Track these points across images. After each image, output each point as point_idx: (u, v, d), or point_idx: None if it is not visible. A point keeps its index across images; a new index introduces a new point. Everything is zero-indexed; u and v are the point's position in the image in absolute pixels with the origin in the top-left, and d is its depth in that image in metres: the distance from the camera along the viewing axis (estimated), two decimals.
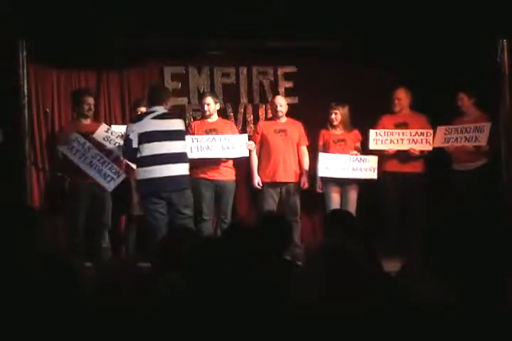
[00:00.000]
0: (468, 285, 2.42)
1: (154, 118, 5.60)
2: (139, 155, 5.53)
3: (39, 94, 6.64)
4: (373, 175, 6.49)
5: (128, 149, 5.57)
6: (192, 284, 2.44)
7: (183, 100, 7.08)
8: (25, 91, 6.10)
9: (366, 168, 6.49)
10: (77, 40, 6.20)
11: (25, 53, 6.03)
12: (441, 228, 2.69)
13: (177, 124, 5.67)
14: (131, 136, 5.52)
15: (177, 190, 5.56)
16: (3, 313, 2.19)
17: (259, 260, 3.22)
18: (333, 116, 6.61)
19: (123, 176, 6.08)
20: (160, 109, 5.64)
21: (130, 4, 5.97)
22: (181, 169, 5.59)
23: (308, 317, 2.20)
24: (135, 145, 5.50)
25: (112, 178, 6.03)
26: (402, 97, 6.68)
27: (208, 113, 6.46)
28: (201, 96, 6.62)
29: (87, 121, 6.31)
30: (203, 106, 6.48)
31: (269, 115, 7.04)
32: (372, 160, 6.51)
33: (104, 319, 2.27)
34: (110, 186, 6.06)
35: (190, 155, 6.27)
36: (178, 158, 5.58)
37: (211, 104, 6.45)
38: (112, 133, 6.16)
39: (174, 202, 5.55)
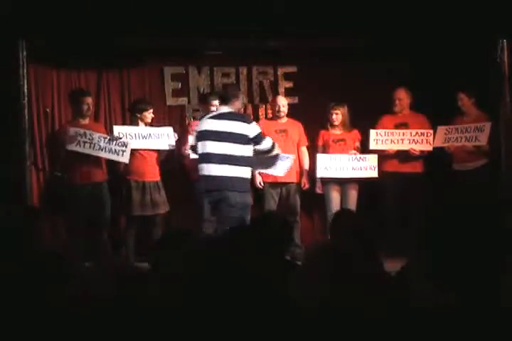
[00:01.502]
0: (468, 285, 2.42)
1: (212, 117, 5.65)
2: (198, 153, 5.66)
3: (39, 94, 6.63)
4: (374, 173, 6.49)
5: (189, 146, 5.88)
6: (192, 284, 2.44)
7: (183, 100, 7.08)
8: (25, 91, 6.10)
9: (366, 167, 6.49)
10: (77, 40, 6.20)
11: (25, 53, 6.03)
12: (441, 228, 2.69)
13: (234, 126, 5.52)
14: (193, 134, 5.76)
15: (216, 190, 5.53)
16: (2, 313, 2.19)
17: (259, 260, 3.22)
18: (334, 116, 6.62)
19: (130, 143, 6.21)
20: (224, 109, 5.64)
21: (130, 4, 5.98)
22: (228, 170, 5.49)
23: (308, 317, 2.20)
24: (192, 142, 5.76)
25: (123, 151, 6.20)
26: (403, 97, 6.68)
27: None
28: (210, 97, 6.57)
29: (86, 121, 6.32)
30: (211, 106, 6.47)
31: (269, 115, 7.04)
32: (372, 159, 6.51)
33: (103, 319, 2.27)
34: (125, 159, 6.23)
35: (193, 155, 6.29)
36: (227, 159, 5.49)
37: (217, 105, 6.50)
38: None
39: (218, 202, 5.55)
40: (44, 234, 4.15)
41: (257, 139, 5.57)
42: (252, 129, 5.56)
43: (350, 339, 2.16)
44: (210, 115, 5.69)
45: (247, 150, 5.54)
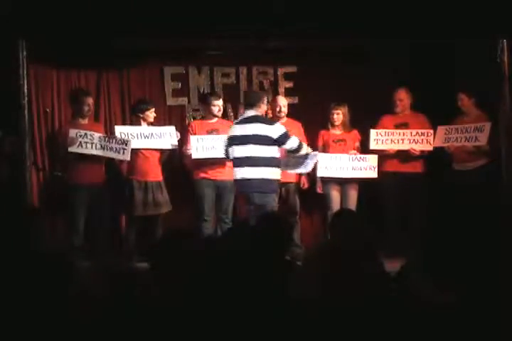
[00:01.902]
0: (468, 285, 2.42)
1: (238, 122, 5.81)
2: (230, 157, 5.80)
3: (39, 94, 6.63)
4: (373, 174, 6.49)
5: (224, 152, 5.92)
6: (191, 284, 2.44)
7: (183, 100, 7.08)
8: (25, 91, 6.10)
9: (366, 167, 6.49)
10: (77, 40, 6.20)
11: (25, 53, 6.02)
12: (441, 228, 2.69)
13: (260, 129, 5.61)
14: (225, 141, 5.88)
15: (247, 192, 5.66)
16: (2, 313, 2.19)
17: (259, 260, 3.22)
18: (335, 116, 6.62)
19: (130, 141, 6.22)
20: (249, 113, 5.75)
21: (130, 4, 5.97)
22: (256, 173, 5.60)
23: (307, 316, 2.20)
24: (225, 149, 5.85)
25: (123, 149, 6.21)
26: (404, 98, 6.68)
27: (219, 114, 6.56)
28: (210, 97, 6.59)
29: (86, 121, 6.31)
30: (214, 106, 6.48)
31: (270, 115, 7.03)
32: (372, 159, 6.51)
33: (102, 319, 2.27)
34: (126, 156, 6.24)
35: (195, 155, 6.31)
36: (254, 161, 5.60)
37: (221, 106, 6.52)
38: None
39: (250, 202, 5.66)
40: (44, 234, 4.15)
41: (281, 139, 5.65)
42: (275, 130, 5.65)
43: (350, 339, 2.16)
44: (237, 120, 5.87)
45: (272, 152, 5.65)
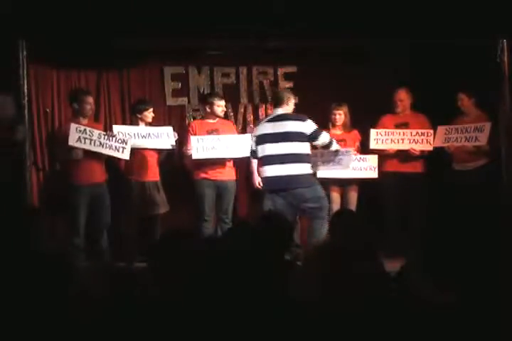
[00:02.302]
0: (468, 285, 2.42)
1: (269, 121, 5.86)
2: (258, 157, 5.87)
3: (39, 94, 6.63)
4: (374, 174, 6.49)
5: (250, 151, 6.02)
6: (191, 284, 2.44)
7: (183, 100, 7.08)
8: (25, 91, 6.10)
9: (366, 167, 6.49)
10: (77, 40, 6.19)
11: (25, 53, 6.03)
12: (441, 228, 2.69)
13: (290, 126, 5.73)
14: (251, 140, 5.94)
15: (285, 189, 5.70)
16: (2, 313, 2.19)
17: (259, 260, 3.22)
18: (337, 116, 6.62)
19: (130, 140, 6.22)
20: (279, 111, 5.85)
21: (130, 4, 5.97)
22: (291, 169, 5.68)
23: (307, 316, 2.20)
24: (252, 147, 5.93)
25: (123, 148, 6.20)
26: (405, 98, 6.69)
27: (222, 114, 6.58)
28: (214, 98, 6.59)
29: (85, 121, 6.30)
30: (218, 107, 6.49)
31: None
32: (372, 159, 6.51)
33: (102, 319, 2.27)
34: (126, 155, 6.23)
35: (195, 156, 6.30)
36: (288, 158, 5.69)
37: (224, 106, 6.53)
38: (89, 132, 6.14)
39: (289, 200, 5.71)
40: (44, 234, 4.15)
41: (313, 135, 5.78)
42: (307, 126, 5.77)
43: (350, 339, 2.16)
44: (267, 119, 5.91)
45: (306, 148, 5.78)
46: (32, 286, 2.24)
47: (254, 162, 6.61)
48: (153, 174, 6.44)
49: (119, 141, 6.20)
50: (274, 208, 5.69)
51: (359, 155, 6.55)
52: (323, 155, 6.17)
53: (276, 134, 5.74)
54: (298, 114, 5.98)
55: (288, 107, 5.89)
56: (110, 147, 6.17)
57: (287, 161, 5.68)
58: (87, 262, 5.99)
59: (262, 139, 5.80)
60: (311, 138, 5.77)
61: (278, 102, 5.90)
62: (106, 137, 6.16)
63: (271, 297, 2.53)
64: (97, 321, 2.26)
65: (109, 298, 2.42)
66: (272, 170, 5.73)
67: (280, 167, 5.69)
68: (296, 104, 7.06)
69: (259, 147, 5.82)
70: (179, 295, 2.43)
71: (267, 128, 5.81)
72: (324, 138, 5.86)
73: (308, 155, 5.80)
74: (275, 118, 5.83)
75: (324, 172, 6.48)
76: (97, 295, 2.39)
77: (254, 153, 5.95)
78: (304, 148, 5.76)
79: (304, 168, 5.73)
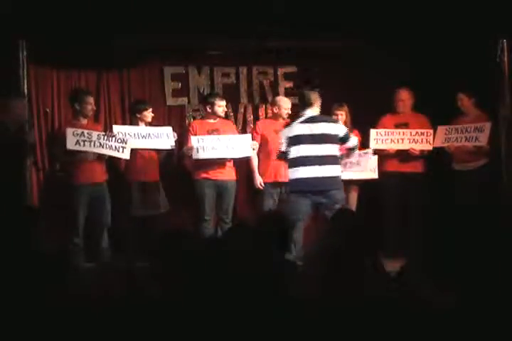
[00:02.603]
0: (468, 285, 2.42)
1: (302, 122, 5.83)
2: (288, 157, 5.83)
3: (39, 94, 6.63)
4: (374, 175, 6.49)
5: (278, 153, 5.98)
6: (192, 284, 2.44)
7: (183, 100, 7.08)
8: (25, 91, 6.10)
9: (367, 168, 6.49)
10: (77, 40, 6.19)
11: (25, 53, 6.03)
12: (441, 228, 2.69)
13: (325, 128, 5.78)
14: (281, 141, 5.88)
15: (322, 190, 5.71)
16: (2, 313, 2.19)
17: (259, 260, 3.22)
18: (338, 117, 6.60)
19: (130, 140, 6.22)
20: (310, 113, 5.85)
21: (130, 4, 5.97)
22: (327, 171, 5.73)
23: (307, 316, 2.20)
24: (283, 149, 5.87)
25: (123, 147, 6.20)
26: (406, 99, 6.68)
27: (223, 114, 6.59)
28: (215, 98, 6.59)
29: (85, 121, 6.29)
30: (219, 107, 6.50)
31: (269, 115, 7.04)
32: (373, 161, 6.51)
33: (103, 319, 2.27)
34: (126, 155, 6.23)
35: (196, 156, 6.30)
36: (324, 160, 5.73)
37: (224, 106, 6.54)
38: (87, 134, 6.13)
39: (321, 200, 5.73)
40: (44, 234, 4.15)
41: (345, 137, 5.86)
42: (340, 129, 5.87)
43: (350, 339, 2.16)
44: (300, 120, 5.86)
45: (337, 150, 5.85)
46: (32, 286, 2.24)
47: (255, 162, 6.62)
48: (153, 174, 6.44)
49: (119, 141, 6.20)
50: (294, 208, 5.72)
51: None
52: (343, 156, 6.18)
53: (313, 136, 5.75)
54: (329, 116, 6.07)
55: (316, 108, 5.91)
56: (110, 147, 6.16)
57: (325, 163, 5.72)
58: (87, 262, 6.01)
59: (296, 140, 5.77)
60: (343, 140, 5.85)
61: (307, 103, 5.88)
62: (105, 137, 6.15)
63: (271, 297, 2.53)
64: (97, 321, 2.26)
65: (109, 298, 2.42)
66: (308, 172, 5.71)
67: (318, 168, 5.70)
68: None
69: (293, 148, 5.79)
70: (179, 295, 2.43)
71: (302, 129, 5.79)
72: (354, 140, 5.97)
73: (338, 157, 5.88)
74: (309, 120, 5.82)
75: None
76: (96, 295, 2.39)
77: (284, 154, 5.88)
78: (337, 150, 5.85)
79: (338, 170, 5.82)
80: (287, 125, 6.00)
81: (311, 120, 5.82)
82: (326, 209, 5.71)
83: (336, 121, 6.01)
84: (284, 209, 5.85)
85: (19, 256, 2.69)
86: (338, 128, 5.86)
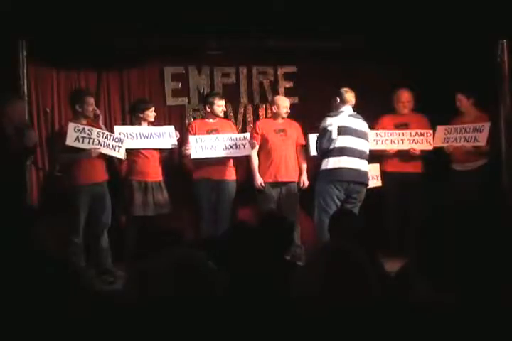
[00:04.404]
0: (468, 285, 2.42)
1: (350, 115, 6.04)
2: (333, 146, 5.90)
3: (39, 94, 6.63)
4: (377, 183, 6.52)
5: (325, 139, 5.94)
6: (191, 285, 2.44)
7: (183, 100, 7.08)
8: (25, 91, 6.10)
9: (369, 177, 6.44)
10: (77, 40, 6.20)
11: (25, 53, 6.03)
12: (441, 228, 2.69)
13: (365, 126, 6.08)
14: (330, 128, 5.92)
15: (358, 182, 5.92)
16: (2, 313, 2.19)
17: (259, 260, 3.22)
18: None
19: (127, 139, 6.27)
20: (349, 110, 6.05)
21: (130, 4, 5.98)
22: (365, 165, 6.00)
23: (307, 317, 2.20)
24: (334, 136, 5.91)
25: (119, 147, 6.23)
26: (407, 99, 6.69)
27: (222, 114, 6.60)
28: (215, 97, 6.60)
29: (85, 122, 6.28)
30: (219, 107, 6.51)
31: (269, 115, 7.04)
32: (374, 169, 6.50)
33: (105, 318, 2.27)
34: (121, 154, 6.26)
35: (194, 155, 6.30)
36: (364, 154, 6.00)
37: (224, 106, 6.58)
38: (88, 131, 6.12)
39: (353, 191, 5.91)
40: (44, 234, 4.15)
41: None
42: (368, 128, 6.17)
43: (350, 339, 2.16)
44: (349, 113, 6.03)
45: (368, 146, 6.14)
46: (32, 286, 2.24)
47: (255, 162, 6.62)
48: (155, 174, 6.43)
49: (116, 140, 6.21)
50: (326, 198, 5.84)
51: None
52: None
53: (357, 130, 5.98)
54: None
55: (352, 106, 6.10)
56: (108, 146, 6.17)
57: (364, 157, 5.98)
58: (87, 262, 6.02)
59: (346, 131, 5.92)
60: (368, 138, 6.13)
61: (349, 101, 6.05)
62: (105, 135, 6.16)
63: (271, 297, 2.53)
64: (97, 321, 2.26)
65: (109, 298, 2.42)
66: (351, 163, 5.88)
67: (359, 161, 5.92)
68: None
69: (341, 137, 5.90)
70: (179, 295, 2.43)
71: (350, 122, 5.98)
72: None
73: (367, 153, 6.09)
74: (354, 115, 6.04)
75: None
76: (96, 295, 2.39)
77: (331, 141, 5.90)
78: (367, 146, 6.11)
79: (367, 166, 6.06)
80: (333, 115, 6.02)
81: (355, 115, 6.04)
82: (348, 202, 5.91)
83: (365, 120, 6.17)
84: (319, 199, 5.93)
85: (19, 256, 2.69)
86: (368, 128, 6.15)
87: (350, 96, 6.07)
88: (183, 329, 2.26)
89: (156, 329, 2.26)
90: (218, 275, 2.39)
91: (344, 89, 6.10)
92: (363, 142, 6.00)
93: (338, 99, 6.06)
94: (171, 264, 2.29)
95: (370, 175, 6.23)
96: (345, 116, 5.99)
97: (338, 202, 5.88)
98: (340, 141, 5.89)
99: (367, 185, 6.03)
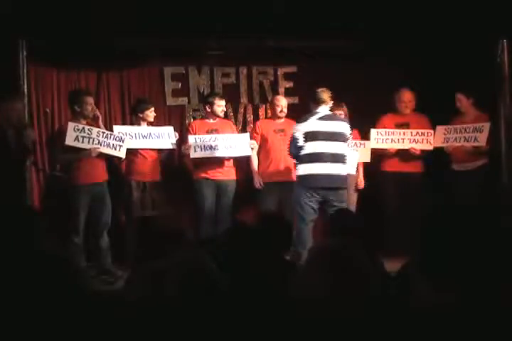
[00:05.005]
0: (468, 285, 2.42)
1: (319, 119, 5.85)
2: (302, 153, 5.80)
3: (39, 94, 6.63)
4: (352, 170, 6.43)
5: (292, 147, 5.89)
6: (191, 285, 2.44)
7: (183, 100, 7.08)
8: (25, 91, 6.10)
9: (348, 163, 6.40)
10: (77, 40, 6.20)
11: (25, 53, 6.03)
12: (441, 228, 2.69)
13: (340, 126, 5.88)
14: (296, 135, 5.84)
15: (332, 187, 5.78)
16: (2, 313, 2.19)
17: (259, 260, 3.22)
18: None
19: (126, 139, 6.25)
20: (324, 110, 5.90)
21: (130, 4, 5.97)
22: (340, 169, 5.81)
23: (307, 317, 2.20)
24: (301, 143, 5.81)
25: (120, 146, 6.22)
26: (409, 99, 6.68)
27: (222, 114, 6.60)
28: (215, 97, 6.60)
29: (85, 122, 6.27)
30: (219, 107, 6.53)
31: (269, 115, 7.04)
32: (353, 156, 6.46)
33: (105, 318, 2.27)
34: (122, 154, 6.25)
35: (193, 155, 6.31)
36: (338, 158, 5.82)
37: (224, 106, 6.58)
38: (88, 130, 6.11)
39: (329, 198, 5.77)
40: (44, 234, 4.15)
41: (349, 136, 6.04)
42: (348, 128, 5.98)
43: (350, 340, 2.16)
44: (317, 117, 5.87)
45: (346, 149, 5.97)
46: (32, 286, 2.24)
47: (255, 162, 6.62)
48: (154, 174, 6.43)
49: (117, 139, 6.21)
50: (304, 206, 5.75)
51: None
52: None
53: (329, 133, 5.81)
54: (339, 115, 6.13)
55: (329, 106, 5.96)
56: (108, 145, 6.17)
57: (338, 161, 5.81)
58: (87, 262, 6.02)
59: (313, 136, 5.79)
60: (347, 139, 5.99)
61: (323, 101, 5.91)
62: (105, 135, 6.15)
63: (271, 297, 2.53)
64: (97, 321, 2.26)
65: (109, 298, 2.42)
66: (323, 168, 5.75)
67: (332, 165, 5.77)
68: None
69: (309, 144, 5.79)
70: (179, 295, 2.43)
71: (319, 125, 5.82)
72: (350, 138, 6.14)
73: (345, 155, 5.94)
74: (325, 117, 5.88)
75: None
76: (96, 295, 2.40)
77: (299, 149, 5.83)
78: (346, 149, 5.96)
79: (346, 169, 5.91)
80: (302, 120, 5.94)
81: (327, 117, 5.88)
82: (331, 207, 5.75)
83: (345, 121, 6.05)
84: (296, 207, 5.86)
85: (19, 256, 2.69)
86: (348, 128, 5.95)
87: (324, 96, 5.92)
88: (184, 329, 2.26)
89: (157, 329, 2.26)
90: (219, 276, 2.39)
91: (319, 90, 6.07)
92: (336, 145, 5.82)
93: (313, 99, 5.99)
94: (177, 265, 2.29)
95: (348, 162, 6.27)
96: (313, 121, 5.83)
97: (316, 208, 5.79)
98: (309, 148, 5.78)
99: (343, 188, 5.87)
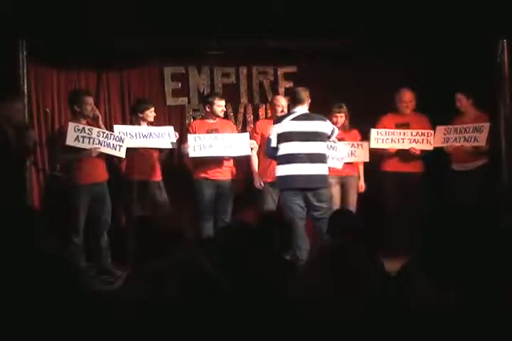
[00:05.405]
0: (468, 285, 2.42)
1: (293, 119, 5.83)
2: (278, 154, 5.79)
3: (39, 94, 6.63)
4: (339, 164, 6.41)
5: (267, 148, 5.92)
6: (190, 285, 2.44)
7: (183, 100, 7.08)
8: (25, 91, 6.10)
9: (334, 157, 6.38)
10: (77, 40, 6.19)
11: (25, 53, 6.03)
12: (441, 228, 2.69)
13: (317, 126, 5.83)
14: (271, 136, 5.84)
15: (312, 188, 5.76)
16: (3, 313, 2.19)
17: (259, 260, 3.22)
18: (338, 119, 6.57)
19: (127, 138, 6.24)
20: (302, 110, 5.87)
21: (130, 4, 5.97)
22: (318, 169, 5.77)
23: (307, 317, 2.20)
24: (273, 144, 5.80)
25: (119, 146, 6.22)
26: (410, 99, 6.68)
27: (222, 114, 6.60)
28: (215, 97, 6.60)
29: (84, 122, 6.27)
30: (218, 107, 6.52)
31: (269, 115, 7.04)
32: (343, 149, 6.46)
33: (106, 318, 2.28)
34: (122, 153, 6.24)
35: (192, 154, 6.30)
36: (315, 158, 5.76)
37: (224, 106, 6.57)
38: (88, 130, 6.11)
39: (309, 198, 5.76)
40: (44, 234, 4.15)
41: (331, 135, 5.97)
42: (329, 126, 5.93)
43: (350, 339, 2.16)
44: (291, 117, 5.85)
45: (325, 148, 5.91)
46: (32, 286, 2.24)
47: (255, 162, 6.62)
48: (154, 174, 6.43)
49: (117, 139, 6.20)
50: (292, 206, 5.73)
51: (331, 143, 6.40)
52: (336, 149, 6.30)
53: (304, 133, 5.77)
54: (317, 114, 6.05)
55: (306, 106, 5.92)
56: (108, 145, 6.16)
57: (315, 161, 5.75)
58: (87, 262, 6.01)
59: (287, 137, 5.77)
60: (329, 136, 5.94)
61: (299, 101, 5.88)
62: (105, 135, 6.15)
63: (271, 297, 2.53)
64: (97, 321, 2.26)
65: (109, 298, 2.42)
66: (299, 169, 5.72)
67: (309, 166, 5.73)
68: None
69: (284, 145, 5.77)
70: (179, 295, 2.43)
71: (293, 126, 5.79)
72: (336, 134, 6.06)
73: (325, 155, 5.90)
74: (300, 117, 5.83)
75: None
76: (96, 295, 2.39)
77: (274, 150, 5.83)
78: (326, 148, 5.91)
79: (326, 168, 5.86)
80: (277, 121, 5.97)
81: (302, 117, 5.83)
82: (313, 210, 5.76)
83: (325, 119, 5.96)
84: (285, 208, 5.85)
85: (19, 256, 2.69)
86: (327, 126, 5.90)
87: (301, 95, 5.89)
88: (183, 329, 2.26)
89: (157, 329, 2.26)
90: (218, 275, 2.39)
91: (297, 89, 6.07)
92: (313, 145, 5.77)
93: (291, 99, 5.99)
94: (176, 265, 2.29)
95: (334, 155, 6.25)
96: (286, 122, 5.81)
97: (303, 205, 5.78)
98: (284, 149, 5.76)
99: (324, 187, 5.84)
